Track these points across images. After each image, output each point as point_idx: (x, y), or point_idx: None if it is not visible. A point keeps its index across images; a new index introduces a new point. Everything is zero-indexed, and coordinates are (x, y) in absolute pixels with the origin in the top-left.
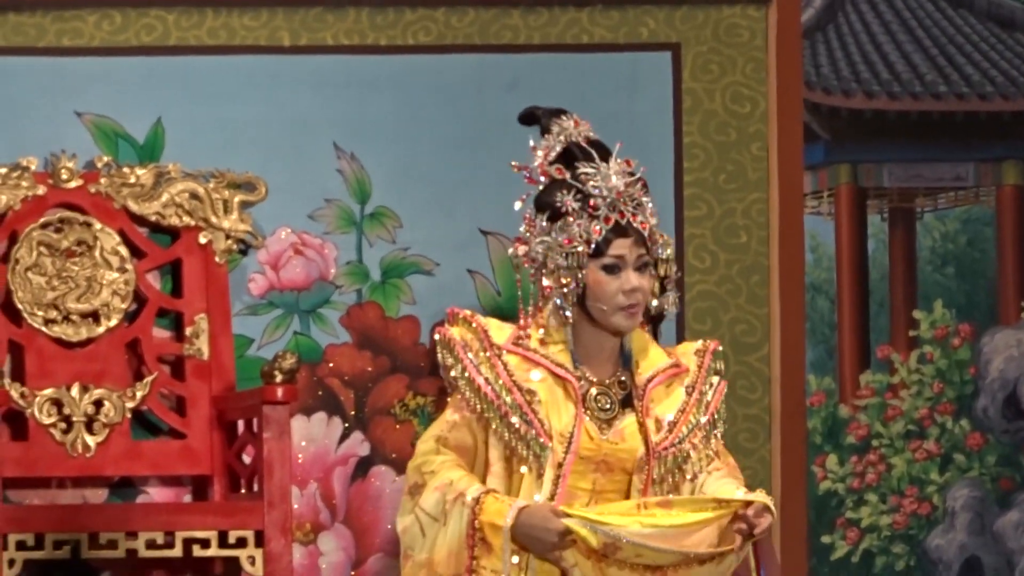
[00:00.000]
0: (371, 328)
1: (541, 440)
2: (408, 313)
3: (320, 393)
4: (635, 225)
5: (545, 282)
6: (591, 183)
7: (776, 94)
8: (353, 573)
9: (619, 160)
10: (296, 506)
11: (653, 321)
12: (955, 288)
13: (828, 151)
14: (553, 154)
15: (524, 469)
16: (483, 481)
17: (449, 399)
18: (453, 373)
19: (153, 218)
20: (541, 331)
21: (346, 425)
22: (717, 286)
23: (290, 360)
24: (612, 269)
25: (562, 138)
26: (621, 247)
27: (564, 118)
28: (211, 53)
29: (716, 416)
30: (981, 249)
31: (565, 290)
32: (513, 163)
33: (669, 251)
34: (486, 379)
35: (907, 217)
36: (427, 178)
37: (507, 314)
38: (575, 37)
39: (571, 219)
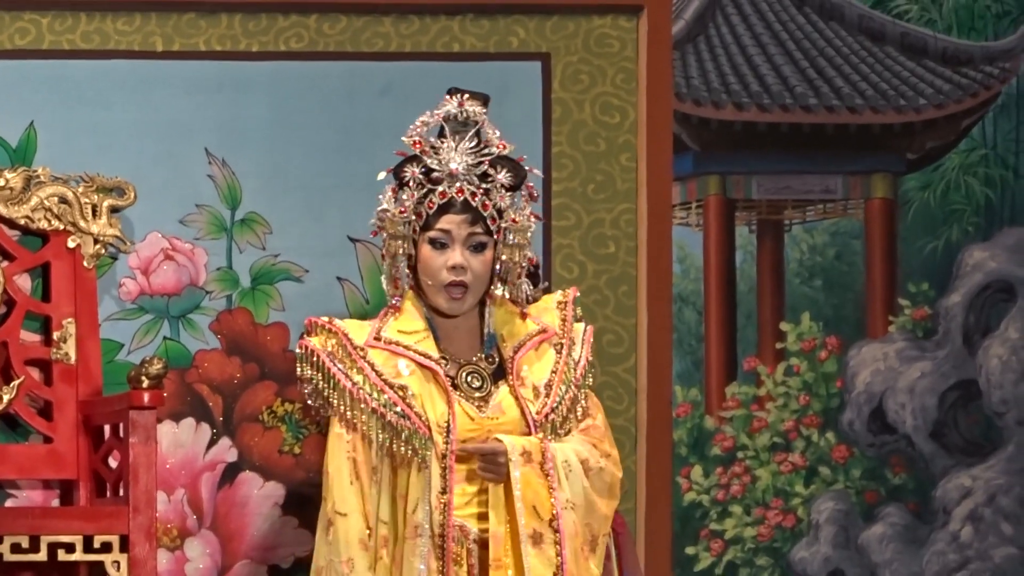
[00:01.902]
0: (241, 334)
1: (421, 433)
2: (277, 320)
3: (189, 399)
4: (472, 203)
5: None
6: (432, 158)
7: (646, 105)
8: None
9: (481, 139)
10: (163, 512)
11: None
12: (822, 301)
13: (697, 162)
14: (426, 128)
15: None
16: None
17: (329, 433)
18: (321, 388)
19: (22, 221)
20: (399, 318)
21: (214, 431)
22: (585, 296)
23: (157, 365)
24: (439, 244)
25: (438, 114)
26: (450, 222)
27: (451, 96)
28: (85, 57)
29: (587, 367)
30: (849, 262)
31: (395, 260)
32: (404, 137)
33: (522, 238)
34: (355, 384)
35: (775, 229)
36: (298, 185)
37: None
38: (446, 45)
39: (409, 190)
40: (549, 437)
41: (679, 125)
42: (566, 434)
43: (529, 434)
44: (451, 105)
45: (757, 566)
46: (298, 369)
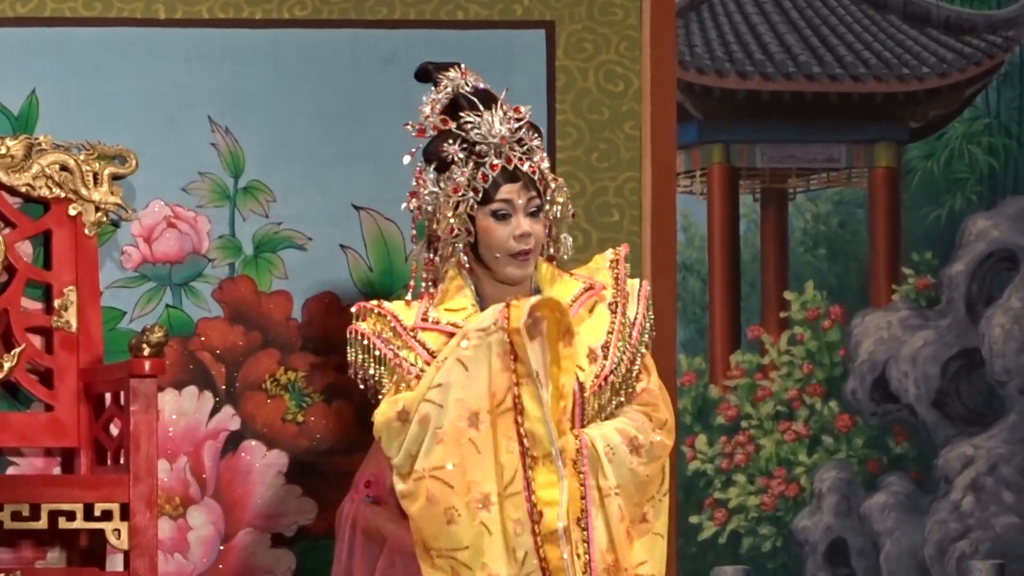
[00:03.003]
0: (243, 302)
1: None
2: (280, 288)
3: (191, 367)
4: (523, 169)
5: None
6: (475, 131)
7: (650, 73)
8: (222, 547)
9: (505, 106)
10: (166, 480)
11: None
12: (826, 270)
13: (701, 131)
14: (439, 106)
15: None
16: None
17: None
18: (372, 371)
19: (23, 189)
20: (442, 297)
21: (217, 399)
22: None
23: (158, 333)
24: (501, 215)
25: (448, 89)
26: (509, 192)
27: (452, 70)
28: (87, 25)
29: (644, 326)
30: (853, 231)
31: (456, 240)
32: (407, 123)
33: (565, 192)
34: (408, 362)
35: (779, 198)
36: (301, 153)
37: (378, 289)
38: (450, 13)
39: (457, 168)
40: (611, 401)
41: (683, 94)
42: (627, 397)
43: (576, 402)
44: (457, 79)
45: (760, 535)
46: (348, 355)
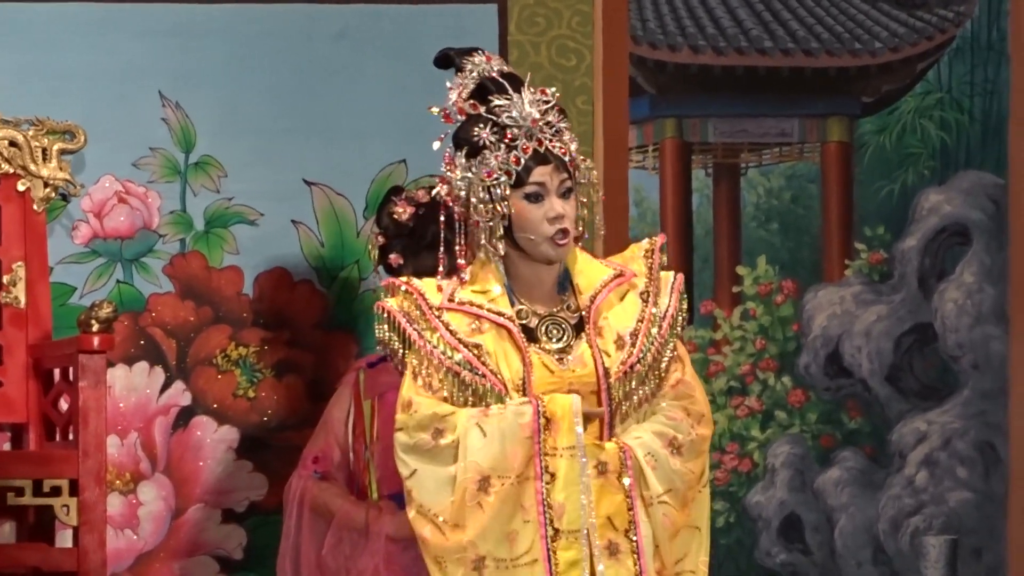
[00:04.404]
0: (194, 278)
1: (497, 391)
2: (232, 263)
3: (142, 342)
4: (554, 151)
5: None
6: (505, 114)
7: (602, 48)
8: (173, 523)
9: (532, 89)
10: (116, 455)
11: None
12: (779, 244)
13: (653, 105)
14: (466, 91)
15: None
16: None
17: (403, 382)
18: (394, 346)
19: None
20: (471, 277)
21: (168, 375)
22: None
23: (107, 309)
24: (535, 197)
25: (475, 74)
26: (542, 174)
27: (476, 55)
28: (37, 0)
29: (676, 317)
30: (805, 206)
31: (491, 224)
32: (432, 107)
33: (593, 174)
34: (431, 343)
35: (732, 172)
36: (252, 128)
37: (329, 264)
38: None
39: (489, 152)
40: (637, 390)
41: (635, 68)
42: (655, 386)
43: (600, 388)
44: (482, 64)
45: (713, 510)
46: (376, 331)
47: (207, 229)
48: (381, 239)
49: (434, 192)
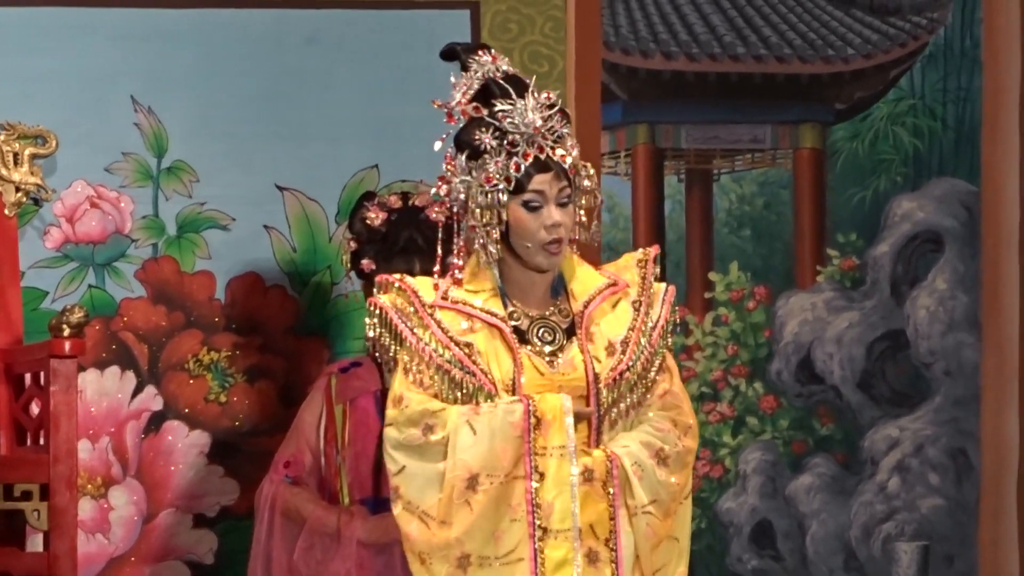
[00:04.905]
0: (166, 283)
1: (487, 390)
2: (204, 268)
3: (114, 347)
4: (555, 159)
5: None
6: (508, 120)
7: (575, 54)
8: (144, 527)
9: (537, 94)
10: (87, 460)
11: None
12: (751, 251)
13: (626, 111)
14: (471, 92)
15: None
16: None
17: (394, 378)
18: (388, 345)
19: None
20: (466, 277)
21: (139, 380)
22: None
23: (78, 314)
24: (533, 206)
25: (480, 75)
26: (541, 182)
27: (482, 54)
28: (9, 4)
29: (666, 328)
30: (778, 212)
31: (488, 228)
32: (435, 101)
33: (592, 181)
34: (421, 340)
35: (704, 179)
36: (224, 133)
37: (301, 269)
38: None
39: (489, 157)
40: (624, 397)
41: (608, 74)
42: (641, 395)
43: (589, 392)
44: (488, 64)
45: None
46: (367, 328)
47: (179, 234)
48: (353, 244)
49: (432, 192)
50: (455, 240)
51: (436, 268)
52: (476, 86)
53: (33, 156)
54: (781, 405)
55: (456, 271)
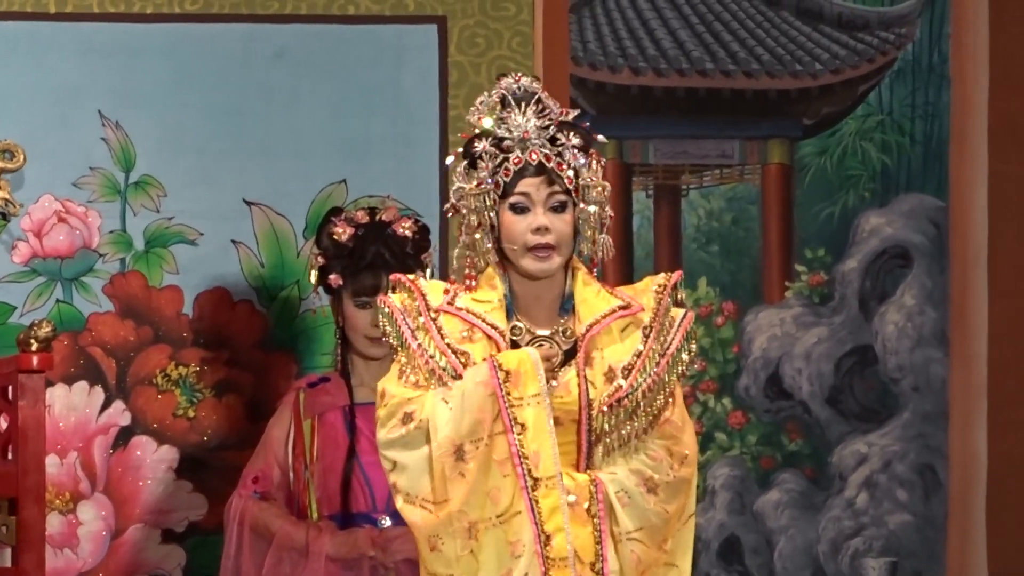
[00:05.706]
0: (134, 297)
1: None
2: (171, 283)
3: (82, 362)
4: (548, 165)
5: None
6: (503, 127)
7: (542, 69)
8: (112, 543)
9: (543, 104)
10: (55, 474)
11: None
12: (719, 266)
13: (594, 127)
14: (485, 107)
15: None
16: None
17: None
18: (391, 341)
19: None
20: (476, 289)
21: (108, 394)
22: None
23: (46, 328)
24: (519, 208)
25: (497, 91)
26: (528, 185)
27: (509, 75)
28: None
29: (675, 356)
30: (746, 227)
31: (478, 233)
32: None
33: (601, 195)
34: (420, 344)
35: (672, 194)
36: (192, 147)
37: (269, 284)
38: (341, 8)
39: (482, 162)
40: (624, 424)
41: (575, 89)
42: (647, 423)
43: (581, 418)
44: (507, 82)
45: None
46: (379, 324)
47: (147, 249)
48: (321, 259)
49: (445, 208)
50: (467, 249)
51: (451, 276)
52: (492, 102)
53: (1, 171)
54: (749, 421)
55: (470, 280)
